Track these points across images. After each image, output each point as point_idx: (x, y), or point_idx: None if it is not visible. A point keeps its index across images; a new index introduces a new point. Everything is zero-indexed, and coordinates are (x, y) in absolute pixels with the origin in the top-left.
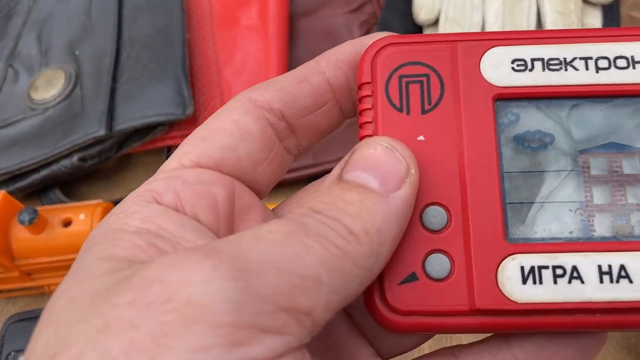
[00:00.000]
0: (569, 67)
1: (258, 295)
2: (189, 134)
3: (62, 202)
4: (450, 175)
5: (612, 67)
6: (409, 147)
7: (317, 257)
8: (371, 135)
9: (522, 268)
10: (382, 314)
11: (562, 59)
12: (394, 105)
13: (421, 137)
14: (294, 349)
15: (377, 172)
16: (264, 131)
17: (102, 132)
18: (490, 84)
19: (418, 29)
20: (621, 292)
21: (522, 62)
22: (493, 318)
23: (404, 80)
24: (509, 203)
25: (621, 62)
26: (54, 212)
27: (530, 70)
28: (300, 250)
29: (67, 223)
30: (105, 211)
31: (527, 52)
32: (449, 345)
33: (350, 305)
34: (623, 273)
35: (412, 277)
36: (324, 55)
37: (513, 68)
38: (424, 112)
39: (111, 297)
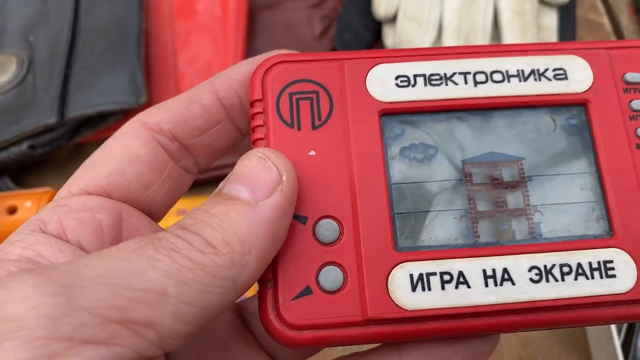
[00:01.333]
0: (449, 82)
1: (80, 309)
2: None
3: (10, 190)
4: (342, 189)
5: (489, 81)
6: (300, 162)
7: (163, 270)
8: None
9: (411, 276)
10: (277, 330)
11: (442, 75)
12: (285, 122)
13: (312, 152)
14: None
15: (249, 183)
16: (153, 153)
17: (53, 119)
18: (375, 99)
19: (377, 24)
20: (505, 295)
21: (405, 79)
22: (385, 327)
23: (294, 97)
24: (397, 213)
25: (497, 76)
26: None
27: (413, 85)
28: (143, 265)
29: (12, 210)
30: (52, 199)
31: (409, 68)
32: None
33: (249, 317)
34: (506, 276)
35: (307, 291)
36: (217, 76)
37: (397, 84)
38: (314, 127)
39: None
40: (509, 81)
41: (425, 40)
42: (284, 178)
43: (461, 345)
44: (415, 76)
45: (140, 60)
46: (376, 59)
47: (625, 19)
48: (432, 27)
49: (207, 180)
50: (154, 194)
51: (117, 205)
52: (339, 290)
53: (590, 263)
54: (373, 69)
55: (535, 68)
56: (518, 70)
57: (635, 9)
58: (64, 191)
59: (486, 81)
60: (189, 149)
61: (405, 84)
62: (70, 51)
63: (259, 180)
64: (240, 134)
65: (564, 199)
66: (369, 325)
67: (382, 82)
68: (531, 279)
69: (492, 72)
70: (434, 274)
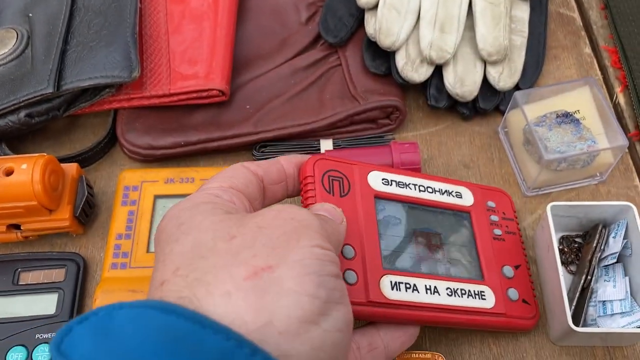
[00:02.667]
0: (407, 187)
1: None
2: (135, 97)
3: (7, 155)
4: (356, 231)
5: (426, 191)
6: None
7: (307, 212)
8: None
9: (391, 282)
10: None
11: (404, 182)
12: (325, 190)
13: (340, 209)
14: None
15: (331, 214)
16: (256, 184)
17: (49, 89)
18: (372, 188)
19: (361, 11)
20: (435, 299)
21: (386, 180)
22: (376, 308)
23: (330, 178)
24: (383, 249)
25: (429, 189)
26: None
27: (390, 184)
28: (298, 209)
29: (8, 172)
30: (48, 163)
31: (388, 176)
32: None
33: None
34: (435, 289)
35: None
36: (284, 157)
37: (382, 182)
38: (341, 196)
39: (242, 220)
40: (435, 193)
41: (403, 28)
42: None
43: (406, 328)
44: (391, 180)
45: (134, 37)
46: (372, 166)
47: (595, 15)
48: (410, 16)
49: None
50: (254, 205)
51: (247, 199)
52: (354, 284)
53: (474, 291)
54: (370, 172)
55: (448, 189)
56: (440, 188)
57: (605, 5)
58: (214, 184)
59: (424, 191)
60: (264, 191)
61: (386, 183)
62: (68, 27)
63: (336, 214)
64: (287, 193)
65: (462, 257)
66: (369, 305)
67: (375, 180)
68: (447, 293)
69: (428, 186)
70: (402, 282)
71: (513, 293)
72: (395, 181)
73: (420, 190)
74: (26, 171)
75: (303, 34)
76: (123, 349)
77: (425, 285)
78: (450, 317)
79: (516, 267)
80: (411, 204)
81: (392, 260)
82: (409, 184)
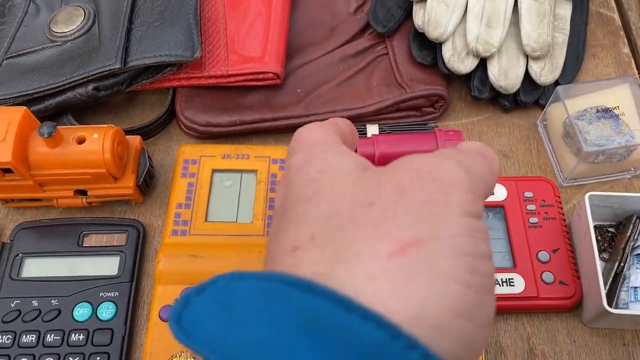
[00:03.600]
0: None
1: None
2: (194, 77)
3: (72, 125)
4: None
5: None
6: None
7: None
8: None
9: None
10: None
11: None
12: None
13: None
14: None
15: (482, 151)
16: (351, 141)
17: (117, 65)
18: None
19: (409, 3)
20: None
21: None
22: None
23: None
24: None
25: None
26: (70, 130)
27: None
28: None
29: (81, 141)
30: (117, 134)
31: None
32: None
33: None
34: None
35: None
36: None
37: None
38: None
39: (378, 180)
40: None
41: (451, 21)
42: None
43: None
44: None
45: (196, 19)
46: None
47: (634, 16)
48: (458, 9)
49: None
50: None
51: None
52: None
53: (503, 279)
54: None
55: None
56: None
57: None
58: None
59: None
60: None
61: None
62: (132, 7)
63: (488, 150)
64: None
65: (493, 250)
66: None
67: None
68: None
69: None
70: None
71: (548, 276)
72: None
73: None
74: (97, 140)
75: (351, 24)
76: (255, 333)
77: None
78: None
79: (554, 251)
80: None
81: None
82: None
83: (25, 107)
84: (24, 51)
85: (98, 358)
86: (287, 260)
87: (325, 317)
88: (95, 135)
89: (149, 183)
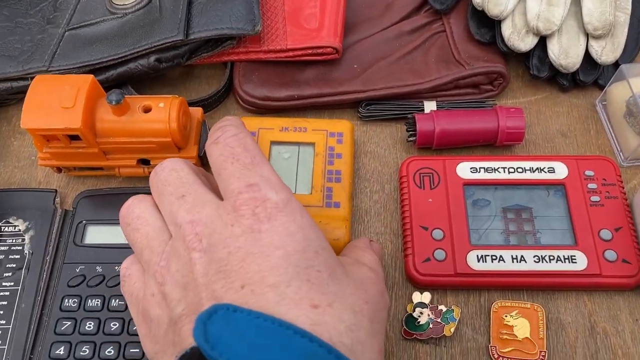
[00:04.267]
0: (496, 171)
1: None
2: (252, 51)
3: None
4: (444, 216)
5: (516, 172)
6: (424, 204)
7: None
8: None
9: (477, 256)
10: (414, 275)
11: (493, 167)
12: (417, 186)
13: (430, 200)
14: None
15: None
16: None
17: (180, 37)
18: (461, 178)
19: None
20: (522, 266)
21: (475, 168)
22: (463, 278)
23: (422, 175)
24: (471, 229)
25: (519, 169)
26: (135, 99)
27: (478, 172)
28: None
29: (147, 109)
30: (182, 104)
31: (476, 164)
32: None
33: None
34: (522, 258)
35: (428, 260)
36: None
37: (471, 171)
38: (431, 188)
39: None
40: (525, 172)
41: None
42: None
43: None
44: (479, 167)
45: None
46: (460, 159)
47: None
48: (512, 3)
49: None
50: None
51: None
52: (443, 260)
53: (564, 256)
54: (459, 163)
55: (539, 166)
56: (530, 167)
57: None
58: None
59: (514, 171)
60: None
61: (475, 171)
62: None
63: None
64: None
65: (553, 227)
66: (456, 276)
67: (463, 170)
68: (534, 261)
69: (518, 167)
70: (488, 255)
71: (610, 254)
72: (484, 167)
73: (509, 172)
74: (163, 109)
75: (407, 0)
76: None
77: (512, 255)
78: (537, 280)
79: (616, 230)
80: (500, 185)
81: (479, 238)
82: (498, 167)
83: (92, 76)
84: (85, 23)
85: None
86: (271, 297)
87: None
88: (161, 105)
89: None
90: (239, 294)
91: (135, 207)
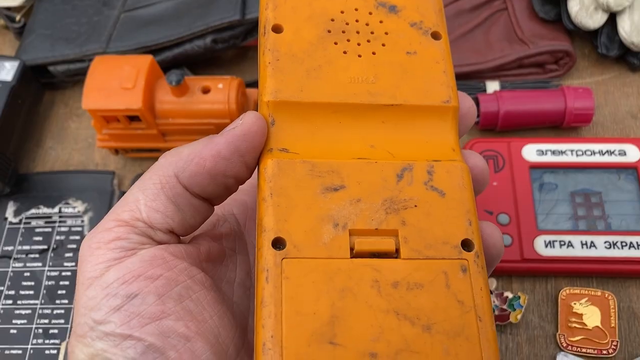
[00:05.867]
0: (563, 154)
1: None
2: None
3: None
4: (510, 200)
5: (584, 155)
6: (489, 188)
7: None
8: None
9: (544, 241)
10: None
11: (559, 150)
12: None
13: (495, 183)
14: None
15: None
16: None
17: (237, 17)
18: (527, 160)
19: None
20: (592, 252)
21: (541, 151)
22: (530, 264)
23: (485, 157)
24: (538, 213)
25: (588, 152)
26: (194, 80)
27: (545, 154)
28: None
29: (206, 90)
30: (240, 85)
31: (543, 146)
32: None
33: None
34: (592, 244)
35: None
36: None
37: (537, 153)
38: (496, 171)
39: None
40: (594, 155)
41: None
42: None
43: None
44: (546, 150)
45: None
46: (527, 141)
47: None
48: None
49: None
50: None
51: None
52: (509, 245)
53: (637, 242)
54: (525, 145)
55: (610, 149)
56: (600, 150)
57: None
58: None
59: (582, 154)
60: None
61: (541, 154)
62: None
63: None
64: None
65: (624, 212)
66: (523, 262)
67: (530, 152)
68: (605, 247)
69: (586, 150)
70: (556, 240)
71: None
72: (551, 150)
73: (577, 155)
74: (223, 90)
75: None
76: None
77: (581, 241)
78: (608, 267)
79: None
80: (568, 169)
81: (547, 222)
82: (565, 150)
83: (151, 56)
84: (141, 5)
85: None
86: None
87: None
88: (220, 86)
89: None
90: None
91: None
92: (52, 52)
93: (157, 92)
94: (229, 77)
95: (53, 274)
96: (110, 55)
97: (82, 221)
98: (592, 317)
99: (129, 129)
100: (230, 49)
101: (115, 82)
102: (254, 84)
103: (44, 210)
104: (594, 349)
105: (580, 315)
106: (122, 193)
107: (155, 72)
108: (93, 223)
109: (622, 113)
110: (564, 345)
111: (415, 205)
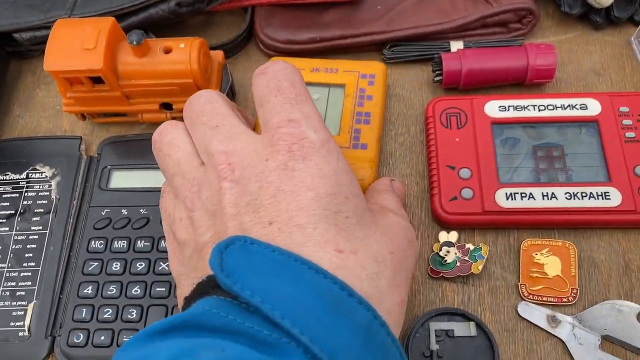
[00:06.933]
0: (525, 109)
1: None
2: None
3: None
4: (472, 155)
5: (546, 109)
6: (451, 144)
7: None
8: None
9: (506, 193)
10: (441, 214)
11: (523, 105)
12: (443, 125)
13: (457, 139)
14: None
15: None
16: None
17: None
18: (489, 116)
19: None
20: (552, 203)
21: (503, 107)
22: (491, 215)
23: (448, 114)
24: (500, 167)
25: (550, 107)
26: (157, 41)
27: (507, 110)
28: None
29: (168, 50)
30: (202, 45)
31: (505, 102)
32: None
33: None
34: (553, 195)
35: (455, 198)
36: None
37: (499, 109)
38: (458, 128)
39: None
40: (556, 109)
41: None
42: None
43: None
44: (508, 106)
45: None
46: (489, 98)
47: None
48: None
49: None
50: None
51: None
52: (470, 199)
53: (597, 192)
54: (487, 102)
55: (571, 103)
56: (562, 104)
57: None
58: None
59: (544, 109)
60: None
61: (504, 109)
62: None
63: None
64: None
65: (585, 164)
66: (484, 214)
67: (492, 109)
68: (566, 197)
69: (548, 104)
70: (517, 193)
71: None
72: (513, 106)
73: (539, 110)
74: (184, 50)
75: None
76: (290, 293)
77: (542, 193)
78: (569, 218)
79: None
80: (530, 124)
81: (509, 176)
82: (528, 105)
83: (113, 18)
84: None
85: None
86: (298, 237)
87: (339, 299)
88: (182, 45)
89: (231, 99)
90: (266, 230)
91: (167, 133)
92: (16, 20)
93: (119, 53)
94: (190, 38)
95: (20, 237)
96: (72, 19)
97: (50, 186)
98: (552, 266)
99: (93, 91)
100: (196, 13)
101: (77, 43)
102: (220, 48)
103: (11, 176)
104: (555, 298)
105: (541, 265)
106: (90, 158)
107: (117, 34)
108: (61, 187)
109: (585, 70)
110: (526, 294)
111: None
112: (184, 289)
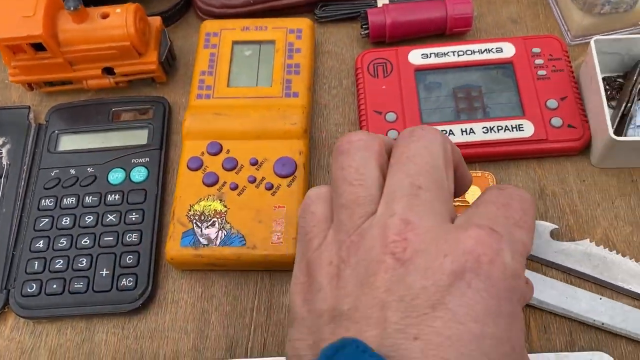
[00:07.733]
0: (445, 55)
1: None
2: None
3: None
4: (397, 101)
5: (465, 55)
6: (378, 92)
7: None
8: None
9: None
10: None
11: (443, 52)
12: (371, 75)
13: (384, 87)
14: None
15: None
16: None
17: None
18: (412, 64)
19: None
20: (471, 138)
21: (425, 54)
22: None
23: (375, 65)
24: (423, 109)
25: (469, 52)
26: (94, 9)
27: (429, 57)
28: None
29: (105, 16)
30: (138, 10)
31: (427, 50)
32: None
33: None
34: (471, 131)
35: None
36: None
37: (422, 57)
38: (384, 77)
39: None
40: (474, 54)
41: None
42: None
43: None
44: (430, 53)
45: None
46: (412, 47)
47: None
48: None
49: None
50: None
51: None
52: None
53: (512, 125)
54: (411, 51)
55: (488, 47)
56: (479, 49)
57: None
58: None
59: (463, 54)
60: None
61: (425, 57)
62: None
63: None
64: None
65: (501, 101)
66: None
67: (415, 57)
68: (483, 132)
69: (467, 50)
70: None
71: (556, 121)
72: (434, 53)
73: (459, 55)
74: (120, 15)
75: None
76: None
77: (462, 129)
78: (486, 150)
79: (562, 99)
80: (451, 69)
81: (431, 116)
82: (448, 52)
83: None
84: None
85: (134, 213)
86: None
87: None
88: (118, 11)
89: (171, 63)
90: (406, 343)
91: (357, 154)
92: None
93: (59, 20)
94: (127, 4)
95: None
96: None
97: (0, 153)
98: (472, 194)
99: (36, 59)
100: None
101: (16, 11)
102: (157, 15)
103: None
104: None
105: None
106: (38, 125)
107: (55, 1)
108: (11, 154)
109: (503, 19)
110: None
111: None
112: (297, 342)
